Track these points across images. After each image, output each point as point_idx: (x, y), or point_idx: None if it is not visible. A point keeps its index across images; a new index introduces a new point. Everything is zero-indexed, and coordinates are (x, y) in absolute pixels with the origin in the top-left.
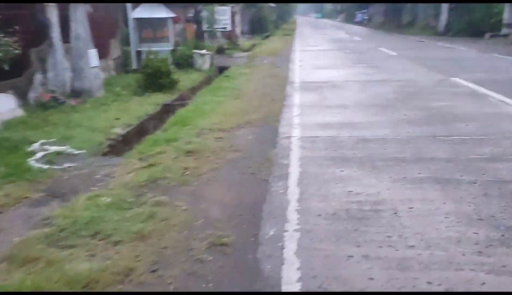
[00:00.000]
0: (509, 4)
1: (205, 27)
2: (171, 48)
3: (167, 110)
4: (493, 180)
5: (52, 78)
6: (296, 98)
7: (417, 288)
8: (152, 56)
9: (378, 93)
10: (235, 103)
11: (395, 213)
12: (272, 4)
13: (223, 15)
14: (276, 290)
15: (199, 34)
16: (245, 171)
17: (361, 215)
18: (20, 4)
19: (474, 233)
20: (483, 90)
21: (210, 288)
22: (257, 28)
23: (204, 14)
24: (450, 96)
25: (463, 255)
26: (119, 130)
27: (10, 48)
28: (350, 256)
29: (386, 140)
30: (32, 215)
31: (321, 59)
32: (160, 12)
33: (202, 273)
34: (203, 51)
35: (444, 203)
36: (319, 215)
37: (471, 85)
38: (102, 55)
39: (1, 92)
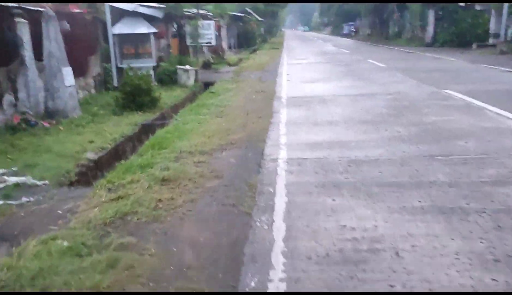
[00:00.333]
0: (495, 14)
1: (189, 42)
2: (154, 64)
3: (145, 131)
4: (504, 209)
5: (24, 99)
6: (284, 114)
7: None
8: (131, 73)
9: (368, 108)
10: (219, 121)
11: (396, 253)
12: (259, 18)
13: (207, 29)
14: None
15: (183, 49)
16: (225, 202)
17: (357, 257)
18: None
19: (492, 279)
20: (477, 102)
21: None
22: (244, 42)
23: (187, 29)
24: (444, 110)
25: None
26: (91, 155)
27: None
28: None
29: (380, 162)
30: None
31: (309, 73)
32: (141, 27)
33: None
34: (187, 67)
35: (452, 239)
36: (309, 258)
37: (464, 97)
38: (81, 73)
39: None
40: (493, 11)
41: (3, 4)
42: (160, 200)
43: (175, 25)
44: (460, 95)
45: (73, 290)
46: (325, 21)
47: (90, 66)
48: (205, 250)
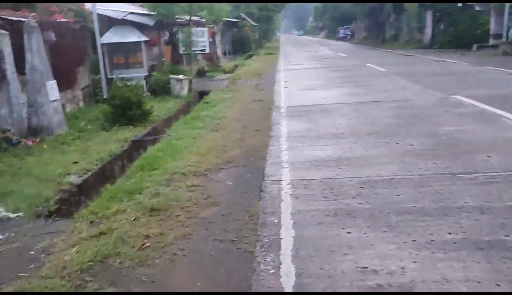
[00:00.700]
0: (495, 14)
1: (182, 50)
2: (146, 74)
3: (136, 147)
4: None
5: (5, 116)
6: (284, 126)
7: None
8: (119, 84)
9: (375, 118)
10: (215, 136)
11: None
12: (254, 23)
13: (201, 36)
14: None
15: (176, 58)
16: (223, 237)
17: None
18: None
19: None
20: (491, 109)
21: None
22: (239, 48)
23: (180, 36)
24: (457, 118)
25: None
26: (74, 179)
27: None
28: None
29: (395, 182)
30: None
31: (307, 79)
32: (132, 36)
33: None
34: (181, 76)
35: (498, 285)
36: None
37: (476, 103)
38: (69, 85)
39: None
40: (493, 12)
41: None
42: (147, 236)
43: (167, 33)
44: (471, 101)
45: None
46: (320, 25)
47: (78, 78)
48: None
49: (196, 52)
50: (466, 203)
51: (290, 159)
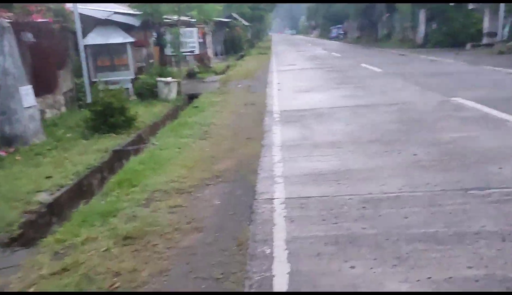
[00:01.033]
0: (489, 13)
1: (170, 51)
2: (132, 77)
3: (117, 158)
4: None
5: None
6: (277, 134)
7: None
8: (102, 88)
9: (373, 123)
10: (202, 145)
11: None
12: (245, 22)
13: (190, 37)
14: None
15: (163, 59)
16: (207, 274)
17: None
18: None
19: None
20: (496, 113)
21: None
22: (231, 48)
23: (168, 37)
24: (460, 123)
25: None
26: (45, 197)
27: None
28: None
29: (402, 200)
30: None
31: (301, 80)
32: (117, 37)
33: None
34: (169, 79)
35: None
36: None
37: (478, 106)
38: (49, 89)
39: None
40: (487, 10)
41: None
42: (118, 273)
43: (155, 34)
44: (473, 104)
45: None
46: (312, 24)
47: (60, 82)
48: None
49: (185, 53)
50: (483, 227)
51: (284, 172)
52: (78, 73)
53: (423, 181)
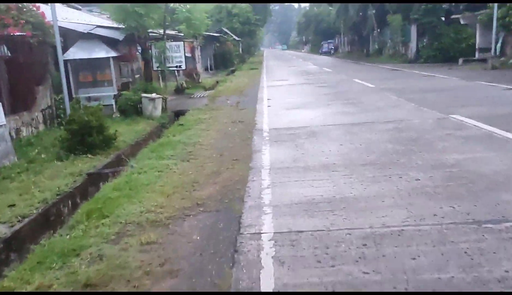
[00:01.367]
0: (480, 28)
1: (155, 66)
2: (115, 93)
3: (91, 183)
4: None
5: None
6: (266, 155)
7: None
8: (77, 106)
9: (369, 143)
10: (185, 168)
11: None
12: (237, 38)
13: (176, 51)
14: None
15: (149, 75)
16: None
17: None
18: None
19: None
20: (499, 132)
21: None
22: (221, 63)
23: (153, 51)
24: (463, 143)
25: None
26: (3, 230)
27: None
28: None
29: (407, 236)
30: None
31: (292, 97)
32: (99, 51)
33: None
34: (153, 95)
35: None
36: None
37: (479, 124)
38: (25, 106)
39: None
40: (479, 25)
41: None
42: None
43: (139, 48)
44: (474, 122)
45: None
46: (303, 39)
47: (37, 98)
48: None
49: (171, 68)
50: (506, 272)
51: (273, 200)
52: (58, 89)
53: (429, 212)
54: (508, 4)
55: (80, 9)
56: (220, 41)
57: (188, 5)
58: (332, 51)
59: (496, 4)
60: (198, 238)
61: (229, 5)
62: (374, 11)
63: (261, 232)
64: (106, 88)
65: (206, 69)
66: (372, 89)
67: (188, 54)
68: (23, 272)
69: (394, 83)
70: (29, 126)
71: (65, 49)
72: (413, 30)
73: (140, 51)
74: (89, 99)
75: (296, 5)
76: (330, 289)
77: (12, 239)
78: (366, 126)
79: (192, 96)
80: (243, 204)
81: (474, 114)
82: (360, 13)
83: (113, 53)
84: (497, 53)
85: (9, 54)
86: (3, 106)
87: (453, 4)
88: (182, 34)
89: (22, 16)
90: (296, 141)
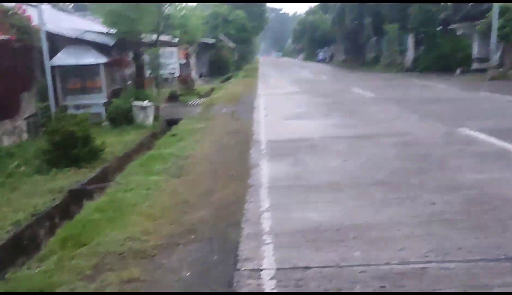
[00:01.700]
0: (478, 39)
1: (148, 73)
2: (104, 100)
3: (73, 201)
4: None
5: None
6: (264, 171)
7: None
8: (60, 115)
9: (375, 159)
10: (176, 186)
11: None
12: (232, 44)
13: (170, 58)
14: None
15: (141, 81)
16: None
17: None
18: None
19: None
20: None
21: None
22: (217, 70)
23: (146, 57)
24: (478, 161)
25: None
26: None
27: None
28: None
29: (431, 275)
30: None
31: (289, 106)
32: (89, 57)
33: None
34: (145, 103)
35: None
36: None
37: (490, 139)
38: (7, 114)
39: None
40: (477, 35)
41: None
42: None
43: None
44: (484, 136)
45: None
46: (299, 47)
47: (21, 106)
48: None
49: (164, 75)
50: None
51: (274, 226)
52: (45, 96)
53: (453, 245)
54: (506, 14)
55: (73, 13)
56: (216, 48)
57: (183, 11)
58: (327, 59)
59: (496, 13)
60: (188, 274)
61: (225, 11)
62: (370, 20)
63: (261, 268)
64: (95, 96)
65: (201, 76)
66: (372, 99)
67: (183, 61)
68: None
69: (393, 93)
70: (11, 135)
71: (53, 54)
72: (410, 39)
73: (133, 57)
74: (77, 107)
75: (291, 12)
76: None
77: None
78: (369, 140)
79: (186, 103)
80: (241, 231)
81: (482, 128)
82: (356, 22)
83: (103, 59)
84: (496, 64)
85: None
86: None
87: (450, 13)
88: (177, 40)
89: (6, 20)
90: (296, 155)
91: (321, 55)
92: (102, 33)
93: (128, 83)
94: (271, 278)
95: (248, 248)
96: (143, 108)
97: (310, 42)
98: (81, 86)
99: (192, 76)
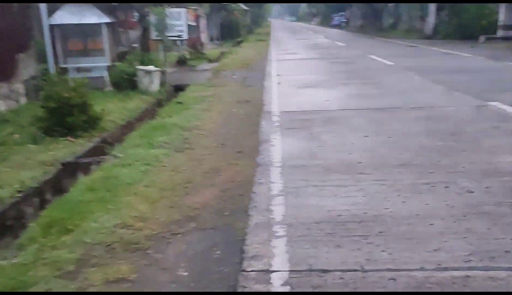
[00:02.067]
0: (505, 4)
1: (154, 35)
2: (107, 63)
3: (65, 175)
4: None
5: None
6: (276, 147)
7: None
8: (55, 80)
9: (399, 135)
10: (178, 162)
11: None
12: (245, 7)
13: (177, 19)
14: None
15: (147, 44)
16: None
17: None
18: None
19: None
20: None
21: None
22: (228, 33)
23: (152, 18)
24: None
25: None
26: None
27: None
28: None
29: (476, 288)
30: None
31: (303, 73)
32: (91, 16)
33: None
34: (150, 68)
35: None
36: None
37: None
38: (4, 76)
39: None
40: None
41: None
42: None
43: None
44: None
45: None
46: (313, 11)
47: (19, 68)
48: None
49: (171, 37)
50: None
51: (287, 215)
52: (44, 57)
53: (498, 245)
54: None
55: None
56: (227, 11)
57: None
58: (343, 24)
59: None
60: (185, 274)
61: None
62: None
63: (271, 269)
64: (98, 58)
65: (211, 39)
66: (392, 67)
67: (192, 23)
68: None
69: (414, 61)
70: (8, 99)
71: (51, 12)
72: (432, 4)
73: (137, 18)
74: (79, 70)
75: None
76: None
77: None
78: (392, 113)
79: (195, 68)
80: (248, 219)
81: None
82: None
83: (106, 19)
84: None
85: None
86: None
87: None
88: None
89: None
90: (311, 129)
91: (336, 20)
92: None
93: (133, 46)
94: (283, 284)
95: (257, 242)
96: (148, 73)
97: (325, 7)
98: (83, 47)
99: (202, 39)
